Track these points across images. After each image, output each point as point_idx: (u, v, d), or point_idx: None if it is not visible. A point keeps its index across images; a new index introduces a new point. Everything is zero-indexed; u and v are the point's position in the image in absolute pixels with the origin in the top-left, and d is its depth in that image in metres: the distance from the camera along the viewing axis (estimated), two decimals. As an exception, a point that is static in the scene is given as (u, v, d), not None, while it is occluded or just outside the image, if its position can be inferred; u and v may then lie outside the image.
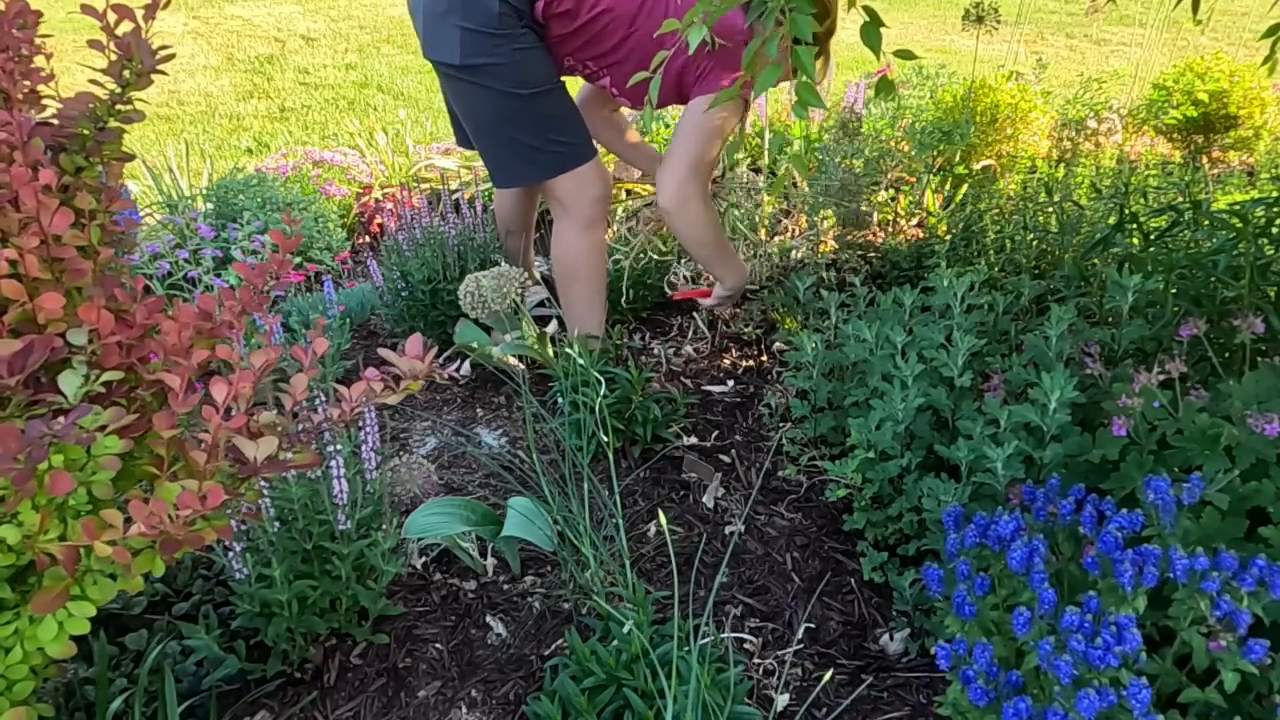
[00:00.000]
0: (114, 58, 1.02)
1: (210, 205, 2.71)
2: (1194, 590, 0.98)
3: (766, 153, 2.96)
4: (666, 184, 1.82)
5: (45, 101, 1.01)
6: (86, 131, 1.02)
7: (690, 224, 1.87)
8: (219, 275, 2.42)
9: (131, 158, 1.09)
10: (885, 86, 1.14)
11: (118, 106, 1.04)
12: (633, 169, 3.10)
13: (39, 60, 1.00)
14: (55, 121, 1.02)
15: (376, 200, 3.12)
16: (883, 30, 1.02)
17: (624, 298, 2.33)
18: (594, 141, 1.89)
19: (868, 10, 1.03)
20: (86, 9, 1.00)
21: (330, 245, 2.74)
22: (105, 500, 0.84)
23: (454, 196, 2.47)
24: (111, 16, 1.00)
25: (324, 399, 1.37)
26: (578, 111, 1.85)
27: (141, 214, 2.66)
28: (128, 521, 0.79)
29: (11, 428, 0.73)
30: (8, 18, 0.96)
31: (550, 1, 1.67)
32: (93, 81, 1.03)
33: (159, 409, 0.88)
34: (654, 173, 1.97)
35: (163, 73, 1.05)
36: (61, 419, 0.76)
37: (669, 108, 2.45)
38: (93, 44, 1.02)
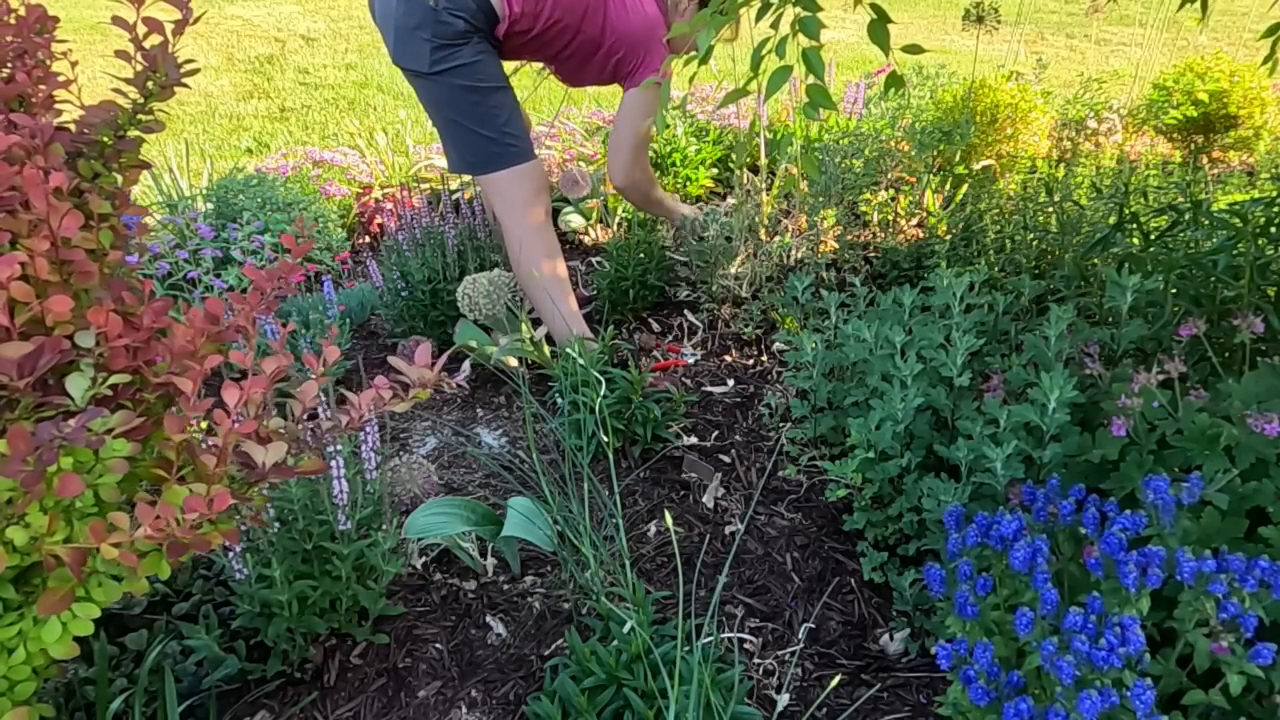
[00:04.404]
0: (140, 69, 1.03)
1: (210, 205, 2.71)
2: (1200, 592, 0.98)
3: (764, 152, 2.97)
4: (616, 166, 2.25)
5: (66, 106, 1.02)
6: (106, 139, 1.02)
7: (639, 191, 2.37)
8: (219, 275, 2.42)
9: (148, 166, 1.09)
10: (894, 81, 1.14)
11: (139, 116, 1.04)
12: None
13: (59, 66, 1.01)
14: (72, 127, 1.02)
15: (376, 200, 3.12)
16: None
17: (625, 297, 2.34)
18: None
19: (875, 8, 1.03)
20: (118, 20, 1.00)
21: (330, 245, 2.74)
22: (112, 503, 0.84)
23: (454, 196, 2.47)
24: (141, 29, 1.01)
25: (325, 401, 1.38)
26: (522, 115, 2.09)
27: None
28: (134, 525, 0.79)
29: (22, 429, 0.73)
30: (27, 23, 0.97)
31: (510, 25, 1.91)
32: (116, 90, 1.04)
33: (164, 412, 0.88)
34: None
35: (186, 85, 1.06)
36: (70, 421, 0.77)
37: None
38: (120, 54, 1.03)
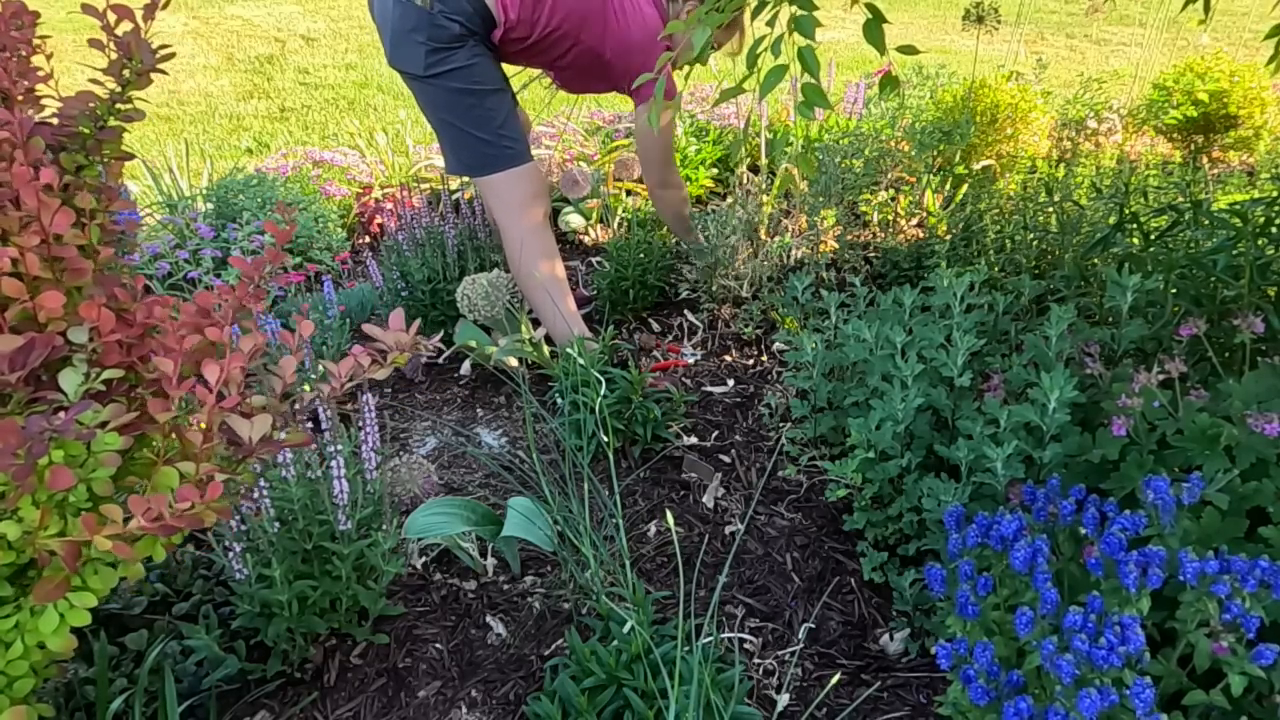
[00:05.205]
0: (114, 57, 1.02)
1: (210, 205, 2.71)
2: (1203, 593, 0.97)
3: (764, 152, 2.96)
4: (651, 178, 2.37)
5: (45, 101, 1.01)
6: (87, 130, 1.02)
7: (671, 205, 2.45)
8: (219, 275, 2.42)
9: (131, 157, 1.09)
10: (889, 83, 1.14)
11: (118, 105, 1.04)
12: (633, 168, 3.10)
13: (37, 60, 1.00)
14: (54, 121, 1.02)
15: (376, 200, 3.12)
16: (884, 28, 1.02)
17: (625, 297, 2.34)
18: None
19: (870, 7, 1.02)
20: (87, 9, 1.00)
21: (330, 245, 2.74)
22: (105, 497, 0.84)
23: (454, 197, 2.47)
24: (111, 16, 1.01)
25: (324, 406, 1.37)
26: (519, 117, 2.08)
27: (141, 214, 2.65)
28: (128, 517, 0.79)
29: (12, 423, 0.73)
30: (4, 17, 0.97)
31: (506, 31, 1.90)
32: (93, 81, 1.03)
33: (160, 407, 0.88)
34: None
35: (163, 72, 1.05)
36: (62, 415, 0.76)
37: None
38: (93, 43, 1.02)
